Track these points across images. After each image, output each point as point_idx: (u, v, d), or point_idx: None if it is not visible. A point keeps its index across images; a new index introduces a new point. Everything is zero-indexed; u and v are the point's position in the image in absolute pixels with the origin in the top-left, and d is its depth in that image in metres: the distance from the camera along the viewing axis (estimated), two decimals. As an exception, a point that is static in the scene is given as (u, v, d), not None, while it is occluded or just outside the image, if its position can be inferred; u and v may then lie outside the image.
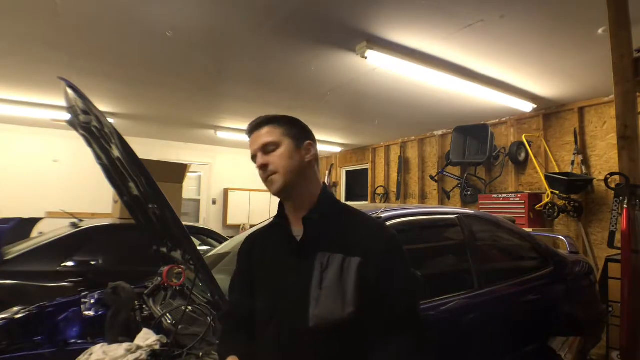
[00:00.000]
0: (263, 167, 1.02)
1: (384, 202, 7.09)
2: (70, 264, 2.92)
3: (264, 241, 1.15)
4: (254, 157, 1.06)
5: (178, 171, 3.91)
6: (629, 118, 2.18)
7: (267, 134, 1.04)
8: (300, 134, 1.07)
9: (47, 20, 2.71)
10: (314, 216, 1.02)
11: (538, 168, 4.72)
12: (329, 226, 1.03)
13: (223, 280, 1.44)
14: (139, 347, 1.37)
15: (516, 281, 2.25)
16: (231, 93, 4.44)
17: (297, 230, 1.04)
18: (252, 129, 1.06)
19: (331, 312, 0.92)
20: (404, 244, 1.04)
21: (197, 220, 7.50)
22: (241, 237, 2.69)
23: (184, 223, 1.56)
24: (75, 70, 3.65)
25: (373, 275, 0.94)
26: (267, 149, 1.03)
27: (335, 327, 0.92)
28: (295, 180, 1.03)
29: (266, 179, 1.03)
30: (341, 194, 8.33)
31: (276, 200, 1.13)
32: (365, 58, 3.04)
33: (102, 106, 4.96)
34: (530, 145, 4.85)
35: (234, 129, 6.27)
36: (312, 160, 1.08)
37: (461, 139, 5.47)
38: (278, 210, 1.11)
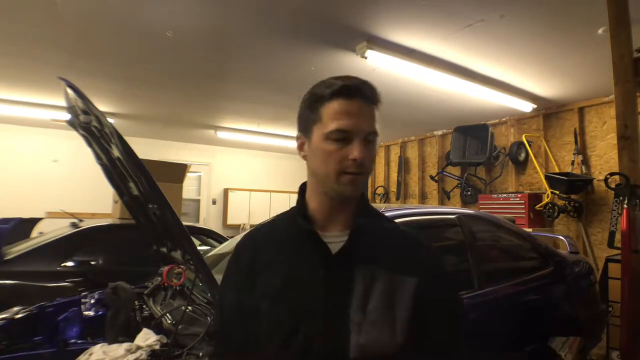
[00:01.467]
0: (359, 161, 0.74)
1: (384, 202, 7.09)
2: (70, 264, 2.92)
3: (275, 246, 0.85)
4: (340, 136, 0.74)
5: (178, 171, 3.90)
6: (629, 118, 2.18)
7: (374, 118, 0.77)
8: None
9: (47, 20, 2.72)
10: (362, 222, 0.80)
11: (538, 168, 4.72)
12: (374, 236, 0.81)
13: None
14: (139, 347, 1.37)
15: (516, 281, 2.24)
16: (231, 93, 4.45)
17: (328, 237, 0.80)
18: (357, 95, 0.75)
19: (379, 342, 0.73)
20: None
21: (197, 220, 7.49)
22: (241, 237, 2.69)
23: (184, 223, 1.56)
24: (75, 70, 3.65)
25: (427, 302, 0.77)
26: (368, 138, 0.76)
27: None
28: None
29: (349, 174, 0.75)
30: (341, 194, 8.32)
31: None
32: (365, 58, 3.04)
33: (102, 106, 4.96)
34: (530, 145, 4.85)
35: (234, 129, 6.27)
36: None
37: (461, 139, 5.47)
38: (299, 208, 0.85)
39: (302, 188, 0.88)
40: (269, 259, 0.83)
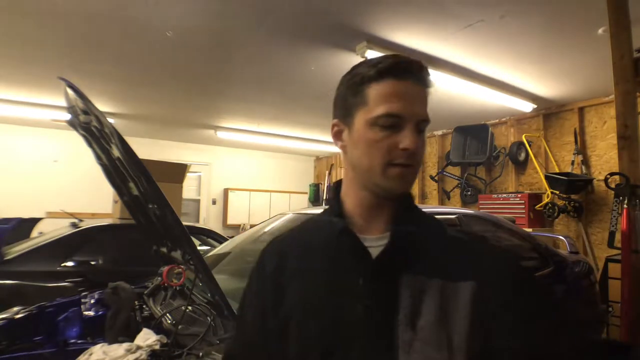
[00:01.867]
0: (411, 151, 0.63)
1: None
2: (70, 264, 2.92)
3: (305, 251, 0.73)
4: (390, 122, 0.63)
5: (178, 171, 3.91)
6: (629, 118, 2.18)
7: (426, 103, 0.67)
8: None
9: (47, 21, 2.72)
10: (407, 222, 0.68)
11: (538, 168, 4.72)
12: (421, 238, 0.68)
13: (223, 280, 1.44)
14: (139, 347, 1.37)
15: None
16: (231, 93, 4.45)
17: (367, 240, 0.68)
18: (410, 75, 0.65)
19: None
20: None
21: (197, 220, 7.49)
22: (241, 237, 2.69)
23: (184, 223, 1.56)
24: (75, 70, 3.65)
25: (493, 310, 0.62)
26: (420, 126, 0.65)
27: None
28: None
29: (398, 166, 0.64)
30: (341, 194, 8.31)
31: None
32: (365, 58, 3.03)
33: (102, 106, 4.96)
34: (530, 145, 4.85)
35: (234, 128, 6.27)
36: None
37: (461, 139, 5.47)
38: (334, 206, 0.74)
39: (337, 185, 0.77)
40: (298, 266, 0.71)
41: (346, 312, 0.63)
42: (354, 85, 0.67)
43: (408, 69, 0.64)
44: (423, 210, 0.74)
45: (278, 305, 0.69)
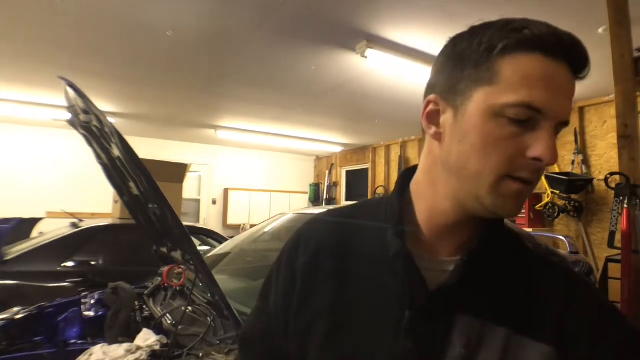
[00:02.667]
0: (546, 162, 0.45)
1: (384, 202, 7.08)
2: (70, 264, 2.92)
3: (345, 255, 0.57)
4: (530, 115, 0.44)
5: (178, 171, 3.91)
6: (629, 117, 2.17)
7: (572, 99, 0.47)
8: None
9: (48, 20, 2.71)
10: (485, 247, 0.51)
11: (538, 168, 4.71)
12: (501, 270, 0.52)
13: (223, 280, 1.44)
14: (139, 348, 1.37)
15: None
16: (231, 93, 4.44)
17: (429, 262, 0.52)
18: (563, 57, 0.45)
19: None
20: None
21: (197, 220, 7.50)
22: (241, 237, 2.69)
23: (184, 223, 1.56)
24: (75, 70, 3.65)
25: None
26: (558, 130, 0.47)
27: None
28: None
29: (517, 181, 0.46)
30: (341, 194, 8.33)
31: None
32: (366, 57, 3.04)
33: (102, 106, 4.96)
34: (530, 145, 4.85)
35: (234, 128, 6.26)
36: None
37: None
38: (395, 212, 0.55)
39: (406, 178, 0.59)
40: (333, 269, 0.56)
41: (380, 345, 0.50)
42: (477, 54, 0.47)
43: (568, 47, 0.46)
44: (516, 231, 0.57)
45: (303, 306, 0.56)
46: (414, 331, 0.48)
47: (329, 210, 0.65)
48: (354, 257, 0.56)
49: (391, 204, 0.57)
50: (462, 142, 0.47)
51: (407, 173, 0.60)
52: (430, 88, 0.53)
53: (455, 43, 0.53)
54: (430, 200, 0.53)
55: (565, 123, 0.47)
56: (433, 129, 0.51)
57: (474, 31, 0.51)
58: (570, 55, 0.46)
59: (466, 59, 0.48)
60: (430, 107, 0.52)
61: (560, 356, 0.46)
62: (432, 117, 0.52)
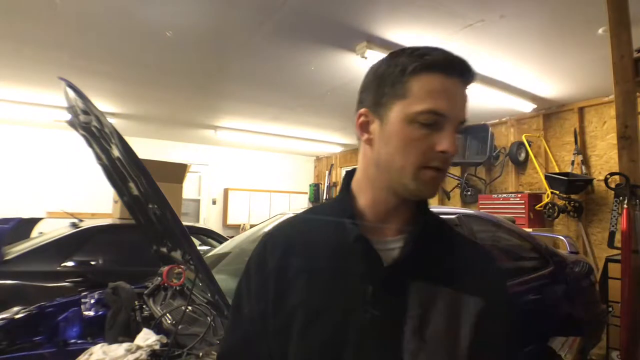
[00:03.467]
0: (452, 154, 0.60)
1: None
2: (70, 264, 2.92)
3: (311, 249, 0.66)
4: (433, 119, 0.59)
5: (178, 171, 3.91)
6: (629, 118, 2.17)
7: (466, 104, 0.64)
8: None
9: (47, 20, 2.72)
10: (423, 226, 0.65)
11: (538, 168, 4.72)
12: (437, 245, 0.66)
13: (223, 280, 1.44)
14: (139, 347, 1.37)
15: (516, 281, 2.24)
16: (231, 93, 4.45)
17: (379, 243, 0.64)
18: (456, 72, 0.61)
19: None
20: None
21: (197, 220, 7.49)
22: (241, 237, 2.69)
23: (184, 223, 1.56)
24: (75, 70, 3.65)
25: (494, 328, 0.63)
26: (458, 128, 0.62)
27: None
28: None
29: (432, 169, 0.61)
30: (341, 194, 8.31)
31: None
32: (365, 58, 3.04)
33: (102, 106, 4.96)
34: (530, 145, 4.85)
35: (234, 128, 6.26)
36: None
37: (461, 139, 5.48)
38: (346, 205, 0.68)
39: (349, 178, 0.71)
40: (304, 266, 0.64)
41: (352, 319, 0.60)
42: (393, 74, 0.61)
43: (457, 66, 0.61)
44: (439, 215, 0.72)
45: (279, 305, 0.63)
46: (378, 301, 0.60)
47: (289, 218, 0.76)
48: (318, 251, 0.65)
49: (342, 201, 0.70)
50: (388, 145, 0.62)
51: (349, 175, 0.72)
52: (360, 103, 0.67)
53: (378, 66, 0.66)
54: (370, 193, 0.67)
55: (463, 122, 0.62)
56: (365, 136, 0.66)
57: (391, 57, 0.65)
58: (460, 72, 0.61)
59: (386, 79, 0.63)
60: (362, 118, 0.66)
61: (485, 312, 0.62)
62: (364, 127, 0.66)
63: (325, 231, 0.67)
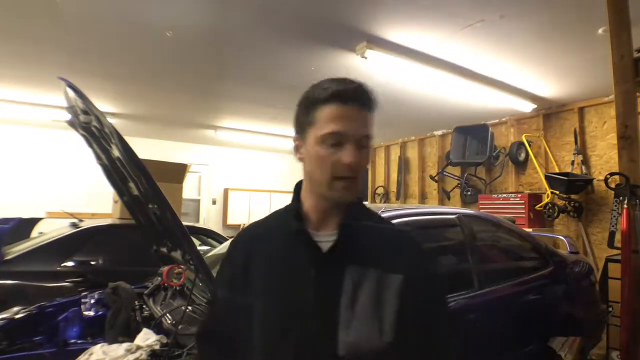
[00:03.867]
0: (352, 166, 0.75)
1: (384, 202, 7.09)
2: (70, 264, 2.92)
3: (268, 244, 0.86)
4: (334, 141, 0.74)
5: (178, 171, 3.90)
6: (629, 118, 2.18)
7: (368, 123, 0.77)
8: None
9: (48, 20, 2.72)
10: (351, 222, 0.81)
11: (538, 168, 4.72)
12: (363, 235, 0.82)
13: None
14: (139, 347, 1.37)
15: (516, 281, 2.24)
16: (231, 93, 4.45)
17: (320, 235, 0.81)
18: (351, 99, 0.76)
19: (367, 339, 0.74)
20: None
21: (197, 220, 7.49)
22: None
23: (184, 223, 1.56)
24: (76, 70, 3.65)
25: (415, 299, 0.77)
26: (361, 142, 0.76)
27: (371, 357, 0.74)
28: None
29: (342, 179, 0.76)
30: (341, 194, 8.31)
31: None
32: (365, 58, 3.04)
33: (102, 106, 4.96)
34: (530, 145, 4.85)
35: (233, 128, 6.26)
36: None
37: (461, 139, 5.47)
38: (293, 207, 0.86)
39: (298, 186, 0.90)
40: (262, 256, 0.84)
41: (299, 296, 0.77)
42: (306, 107, 0.79)
43: (351, 95, 0.76)
44: (371, 210, 0.90)
45: (244, 288, 0.83)
46: (319, 283, 0.76)
47: (257, 219, 0.97)
48: (273, 242, 0.86)
49: (292, 205, 0.87)
50: (310, 163, 0.80)
51: (298, 185, 0.90)
52: (295, 130, 0.85)
53: (301, 99, 0.82)
54: (310, 199, 0.84)
55: (365, 137, 0.76)
56: (298, 156, 0.84)
57: (307, 91, 0.81)
58: (355, 99, 0.76)
59: (303, 109, 0.80)
60: (295, 142, 0.85)
61: (406, 286, 0.76)
62: (297, 149, 0.85)
63: (279, 228, 0.87)
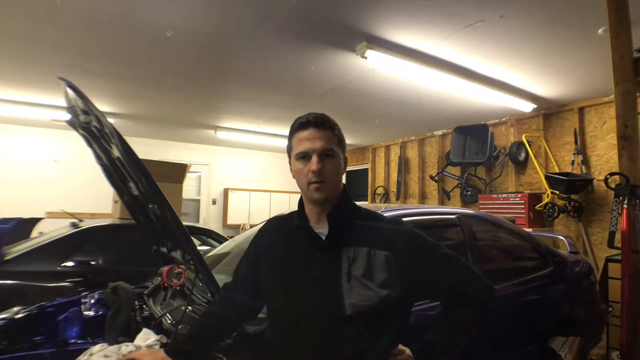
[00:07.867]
0: (316, 172, 1.01)
1: (384, 202, 7.09)
2: (70, 264, 2.92)
3: (285, 235, 1.16)
4: (302, 156, 1.04)
5: (178, 171, 3.91)
6: (629, 118, 2.17)
7: (328, 140, 1.04)
8: (344, 148, 1.13)
9: (48, 20, 2.72)
10: (339, 215, 1.07)
11: (538, 168, 4.72)
12: (352, 224, 1.08)
13: (223, 280, 1.44)
14: (138, 347, 1.37)
15: (516, 281, 2.24)
16: (231, 93, 4.45)
17: (319, 228, 1.08)
18: (311, 125, 1.05)
19: (366, 298, 0.99)
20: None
21: (197, 220, 7.50)
22: (241, 237, 2.70)
23: (184, 223, 1.56)
24: (76, 70, 3.65)
25: (407, 265, 1.02)
26: (326, 153, 1.03)
27: (370, 312, 0.99)
28: (337, 189, 1.09)
29: (313, 183, 1.02)
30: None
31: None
32: (365, 58, 3.04)
33: (102, 106, 4.96)
34: (530, 145, 4.85)
35: (234, 129, 6.27)
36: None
37: (461, 139, 5.47)
38: (298, 211, 1.13)
39: (301, 197, 1.17)
40: (278, 245, 1.16)
41: (309, 273, 1.05)
42: (289, 135, 1.11)
43: (310, 122, 1.05)
44: (356, 204, 1.16)
45: (264, 266, 1.17)
46: (321, 265, 1.04)
47: (277, 215, 1.30)
48: (285, 235, 1.17)
49: (298, 209, 1.15)
50: (295, 176, 1.10)
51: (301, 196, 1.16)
52: (287, 155, 1.15)
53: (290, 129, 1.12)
54: (305, 202, 1.13)
55: (327, 149, 1.04)
56: (292, 172, 1.11)
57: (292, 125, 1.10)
58: (315, 124, 1.05)
59: (288, 139, 1.13)
60: (289, 160, 1.12)
61: (391, 258, 1.02)
62: (290, 166, 1.11)
63: (290, 225, 1.15)
